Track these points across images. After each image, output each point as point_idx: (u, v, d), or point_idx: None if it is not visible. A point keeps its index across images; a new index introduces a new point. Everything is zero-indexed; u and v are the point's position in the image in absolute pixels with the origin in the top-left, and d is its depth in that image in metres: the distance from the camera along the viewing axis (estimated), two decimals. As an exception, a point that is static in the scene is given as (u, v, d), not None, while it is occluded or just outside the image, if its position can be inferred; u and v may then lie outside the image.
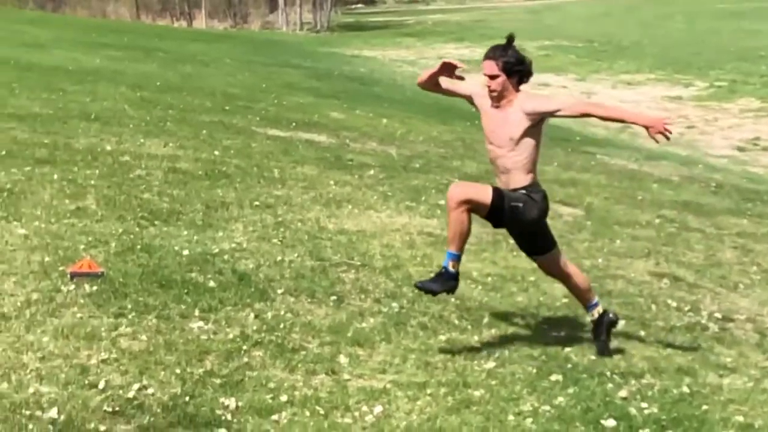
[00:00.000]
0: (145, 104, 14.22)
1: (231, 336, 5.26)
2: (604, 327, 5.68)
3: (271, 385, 4.70)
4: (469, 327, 5.93)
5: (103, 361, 4.71)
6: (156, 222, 7.41)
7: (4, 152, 9.19)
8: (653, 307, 6.82)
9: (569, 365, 5.41)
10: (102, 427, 4.05)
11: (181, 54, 26.03)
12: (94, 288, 5.70)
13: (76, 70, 18.19)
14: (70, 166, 8.98)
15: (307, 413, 4.46)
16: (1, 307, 5.26)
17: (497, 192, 5.23)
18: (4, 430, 3.88)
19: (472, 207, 5.15)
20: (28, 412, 4.05)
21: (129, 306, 5.49)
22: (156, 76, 19.14)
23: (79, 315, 5.27)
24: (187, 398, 4.41)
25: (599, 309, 5.72)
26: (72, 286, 5.69)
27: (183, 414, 4.27)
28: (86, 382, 4.43)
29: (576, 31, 39.72)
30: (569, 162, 13.60)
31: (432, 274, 5.61)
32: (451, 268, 5.25)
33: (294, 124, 14.02)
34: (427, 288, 5.31)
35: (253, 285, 6.15)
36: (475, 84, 5.50)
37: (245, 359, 4.98)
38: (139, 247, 6.68)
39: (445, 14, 56.14)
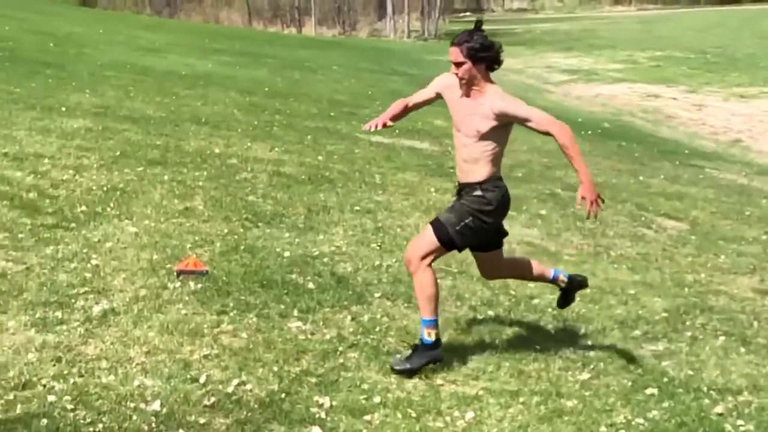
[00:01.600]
0: (253, 109, 14.53)
1: (328, 337, 5.37)
2: (575, 291, 5.57)
3: (365, 386, 4.79)
4: (565, 338, 5.92)
5: (205, 356, 4.87)
6: (259, 224, 7.60)
7: (118, 153, 9.54)
8: (755, 323, 6.68)
9: (665, 379, 5.35)
10: (201, 420, 4.20)
11: (289, 60, 26.47)
12: (199, 286, 5.89)
13: (189, 75, 18.70)
14: (180, 167, 9.27)
15: (399, 415, 4.54)
16: (111, 302, 5.48)
17: (437, 227, 5.03)
18: (110, 421, 4.06)
19: (433, 258, 5.01)
20: (132, 404, 4.22)
21: (231, 304, 5.66)
22: (265, 81, 19.52)
23: (183, 311, 5.46)
24: (283, 395, 4.53)
25: (562, 277, 5.51)
26: (178, 284, 5.89)
27: (279, 410, 4.39)
28: (188, 376, 4.59)
29: (688, 42, 38.89)
30: (676, 175, 13.38)
31: (408, 351, 5.20)
32: (427, 337, 5.03)
33: (397, 131, 14.12)
34: (403, 370, 4.97)
35: (351, 288, 6.26)
36: (440, 79, 5.32)
37: (341, 360, 5.08)
38: (242, 247, 6.86)
39: (554, 23, 55.67)
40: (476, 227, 5.03)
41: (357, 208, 8.53)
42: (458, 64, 4.92)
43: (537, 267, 5.54)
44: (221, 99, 15.17)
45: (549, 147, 14.57)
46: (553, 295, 6.69)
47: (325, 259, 6.85)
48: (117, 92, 14.34)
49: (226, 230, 7.28)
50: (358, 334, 5.47)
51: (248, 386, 4.58)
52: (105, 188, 8.04)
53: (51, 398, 4.15)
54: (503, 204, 5.13)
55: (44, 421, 3.92)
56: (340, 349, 5.22)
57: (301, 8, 52.12)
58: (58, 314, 5.13)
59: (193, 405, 4.30)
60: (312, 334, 5.40)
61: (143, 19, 42.59)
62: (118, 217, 7.26)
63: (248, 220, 7.65)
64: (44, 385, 4.27)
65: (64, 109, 11.61)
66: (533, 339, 5.79)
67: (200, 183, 8.70)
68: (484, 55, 4.91)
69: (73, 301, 5.39)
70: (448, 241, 5.01)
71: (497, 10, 77.63)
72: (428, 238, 5.03)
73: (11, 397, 4.11)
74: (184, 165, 9.41)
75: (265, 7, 53.54)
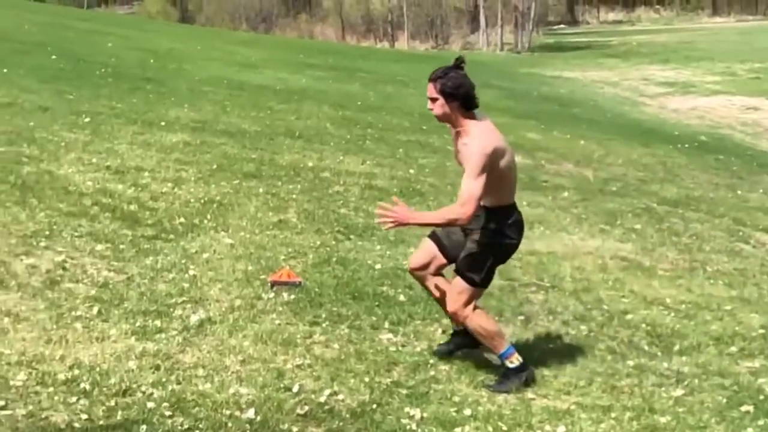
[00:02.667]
0: (346, 123, 14.69)
1: (418, 349, 5.41)
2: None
3: (456, 398, 4.81)
4: (659, 353, 5.84)
5: (298, 366, 4.96)
6: (351, 236, 7.69)
7: (215, 166, 9.75)
8: None
9: (761, 396, 5.23)
10: (294, 429, 4.28)
11: (382, 74, 26.67)
12: (292, 297, 6.00)
13: (283, 90, 18.99)
14: (275, 180, 9.43)
15: (490, 428, 4.54)
16: (207, 311, 5.62)
17: (466, 277, 5.00)
18: (206, 428, 4.16)
19: (474, 304, 5.00)
20: (228, 412, 4.33)
21: (323, 315, 5.75)
22: (358, 95, 19.72)
23: (277, 322, 5.56)
24: (374, 406, 4.58)
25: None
26: (272, 294, 6.01)
27: (370, 421, 4.44)
28: (282, 385, 4.68)
29: (790, 53, 37.89)
30: (776, 189, 13.05)
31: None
32: (510, 365, 5.05)
33: (490, 144, 14.12)
34: (501, 391, 5.00)
35: (443, 301, 6.28)
36: None
37: (431, 372, 5.11)
38: (334, 259, 6.95)
39: (651, 35, 54.84)
40: (496, 258, 5.04)
41: (448, 221, 8.54)
42: (432, 99, 4.91)
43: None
44: (315, 113, 15.38)
45: (645, 161, 14.38)
46: (646, 311, 6.62)
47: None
48: (214, 107, 14.66)
49: (318, 242, 7.38)
50: (448, 347, 5.48)
51: (340, 396, 4.65)
52: (202, 201, 8.23)
53: (150, 405, 4.28)
54: (498, 237, 5.03)
55: (144, 427, 4.05)
56: (431, 361, 5.25)
57: (394, 22, 52.46)
58: (157, 323, 5.28)
59: (287, 414, 4.38)
60: (403, 346, 5.44)
61: (239, 35, 43.43)
62: (214, 228, 7.43)
63: (340, 233, 7.75)
64: (144, 392, 4.40)
65: (163, 123, 11.92)
66: (626, 354, 5.73)
67: (294, 196, 8.84)
68: (454, 93, 4.83)
69: (171, 310, 5.54)
70: (481, 284, 5.03)
71: (592, 23, 76.84)
72: (461, 287, 5.00)
73: (113, 403, 4.25)
74: (279, 178, 9.57)
75: (359, 21, 54.05)
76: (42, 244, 6.40)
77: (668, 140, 16.49)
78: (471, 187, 4.76)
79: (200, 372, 4.72)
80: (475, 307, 5.03)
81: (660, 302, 6.82)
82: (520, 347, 5.57)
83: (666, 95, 27.80)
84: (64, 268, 5.98)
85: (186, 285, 6.04)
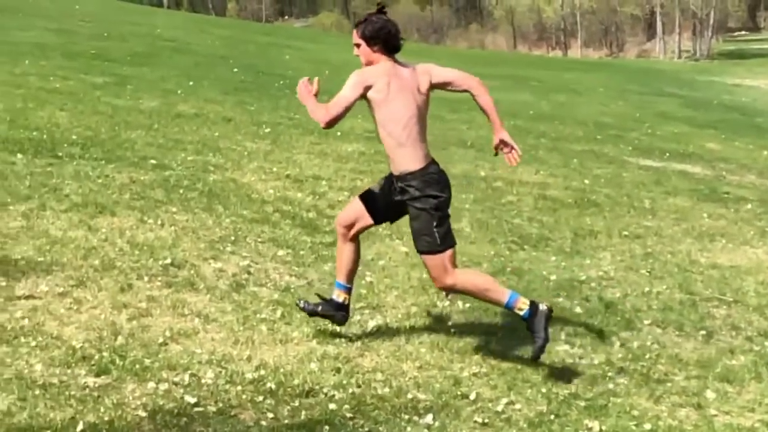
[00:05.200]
0: (518, 132, 14.63)
1: (596, 362, 5.34)
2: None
3: (635, 412, 4.72)
4: None
5: (474, 374, 4.99)
6: (525, 246, 7.67)
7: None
8: None
9: None
10: (472, 436, 4.31)
11: (554, 83, 26.42)
12: (467, 305, 6.03)
13: (454, 99, 19.06)
14: (448, 190, 9.50)
15: (671, 444, 4.44)
16: (384, 317, 5.73)
17: (426, 251, 4.96)
18: (385, 431, 4.25)
19: (451, 264, 4.93)
20: (406, 416, 4.40)
21: (499, 324, 5.75)
22: (529, 104, 19.61)
23: (452, 330, 5.61)
24: (552, 416, 4.56)
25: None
26: (447, 303, 6.06)
27: (548, 431, 4.42)
28: (459, 392, 4.72)
29: None
30: None
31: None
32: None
33: (667, 154, 13.78)
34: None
35: (620, 314, 6.19)
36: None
37: (610, 385, 5.03)
38: (508, 269, 6.95)
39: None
40: (436, 218, 4.95)
41: (625, 233, 8.40)
42: (357, 45, 5.05)
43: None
44: (486, 123, 15.35)
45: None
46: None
47: (593, 284, 6.81)
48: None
49: (492, 252, 7.40)
50: (627, 360, 5.40)
51: (517, 406, 4.65)
52: (378, 209, 8.38)
53: (332, 406, 4.40)
54: (435, 183, 5.02)
55: (326, 428, 4.17)
56: (609, 374, 5.18)
57: (567, 31, 51.84)
58: (337, 327, 5.42)
59: (464, 421, 4.42)
60: (580, 358, 5.39)
61: (411, 46, 43.84)
62: (389, 236, 7.56)
63: (514, 243, 7.74)
64: (326, 394, 4.53)
65: (339, 133, 12.21)
66: (816, 374, 5.47)
67: (467, 206, 8.89)
68: (375, 35, 4.97)
69: (350, 315, 5.67)
70: (442, 246, 4.95)
71: (775, 27, 73.58)
72: (430, 262, 4.98)
73: (296, 403, 4.40)
74: (452, 187, 9.63)
75: (531, 30, 53.72)
76: (228, 249, 6.69)
77: None
78: (339, 96, 4.86)
79: (379, 376, 4.82)
80: (455, 268, 4.96)
81: None
82: (701, 362, 5.44)
83: None
84: (248, 272, 6.22)
85: (363, 291, 6.17)
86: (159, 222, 6.98)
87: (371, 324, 5.59)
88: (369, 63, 5.05)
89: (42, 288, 5.40)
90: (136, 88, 14.34)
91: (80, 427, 3.84)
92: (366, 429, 4.22)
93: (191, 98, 13.94)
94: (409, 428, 4.29)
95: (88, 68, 16.45)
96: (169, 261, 6.16)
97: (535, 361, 5.00)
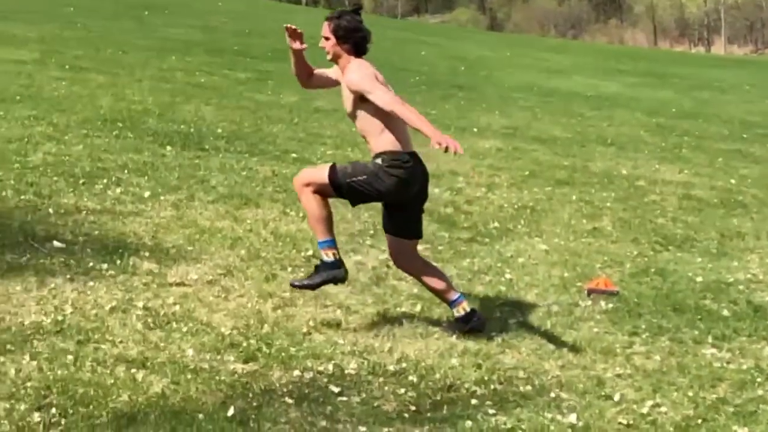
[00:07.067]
0: (660, 130, 14.32)
1: (745, 367, 5.17)
2: (469, 326, 5.17)
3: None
4: None
5: (618, 375, 4.90)
6: (670, 247, 7.49)
7: (527, 172, 9.85)
8: None
9: None
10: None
11: (697, 80, 25.69)
12: (610, 306, 5.93)
13: (594, 96, 18.81)
14: (588, 187, 9.37)
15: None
16: (525, 315, 5.69)
17: (333, 169, 5.00)
18: (528, 429, 4.21)
19: (316, 189, 4.95)
20: (549, 415, 4.35)
21: (643, 326, 5.64)
22: (671, 102, 19.14)
23: (595, 330, 5.52)
24: (699, 421, 4.43)
25: (464, 305, 5.20)
26: (589, 302, 5.98)
27: (695, 436, 4.31)
28: (602, 393, 4.64)
29: None
30: None
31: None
32: (326, 258, 5.05)
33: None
34: (303, 285, 5.13)
35: (771, 318, 5.98)
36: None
37: (759, 392, 4.86)
38: (653, 270, 6.80)
39: None
40: (372, 189, 4.98)
41: (775, 234, 8.11)
42: (325, 38, 5.05)
43: (443, 282, 5.27)
44: (627, 120, 15.11)
45: None
46: None
47: (741, 287, 6.59)
48: (524, 113, 14.80)
49: (635, 252, 7.25)
50: (778, 366, 5.21)
51: (663, 409, 4.54)
52: (515, 206, 8.34)
53: (473, 402, 4.39)
54: (403, 178, 5.03)
55: (468, 422, 4.16)
56: (759, 380, 5.00)
57: (710, 26, 50.35)
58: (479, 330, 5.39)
59: (608, 422, 4.34)
60: (728, 362, 5.22)
61: (548, 42, 43.44)
62: (528, 234, 7.50)
63: (658, 243, 7.56)
64: (467, 389, 4.53)
65: (475, 129, 12.21)
66: None
67: (608, 204, 8.75)
68: (347, 36, 4.99)
69: (490, 312, 5.66)
70: (337, 186, 4.98)
71: None
72: (321, 174, 5.01)
73: (438, 397, 4.41)
74: (591, 186, 9.51)
75: (672, 26, 52.38)
76: (368, 242, 6.76)
77: None
78: (383, 96, 4.85)
79: (520, 374, 4.79)
80: (316, 192, 4.95)
81: None
82: None
83: None
84: (387, 266, 6.27)
85: (503, 288, 6.15)
86: (300, 214, 7.11)
87: (511, 321, 5.55)
88: (335, 58, 5.14)
89: (192, 276, 5.58)
90: (277, 84, 14.65)
91: (231, 411, 3.95)
92: (508, 426, 4.20)
93: (328, 94, 14.14)
94: (552, 427, 4.24)
95: (231, 64, 16.92)
96: (310, 253, 6.28)
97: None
